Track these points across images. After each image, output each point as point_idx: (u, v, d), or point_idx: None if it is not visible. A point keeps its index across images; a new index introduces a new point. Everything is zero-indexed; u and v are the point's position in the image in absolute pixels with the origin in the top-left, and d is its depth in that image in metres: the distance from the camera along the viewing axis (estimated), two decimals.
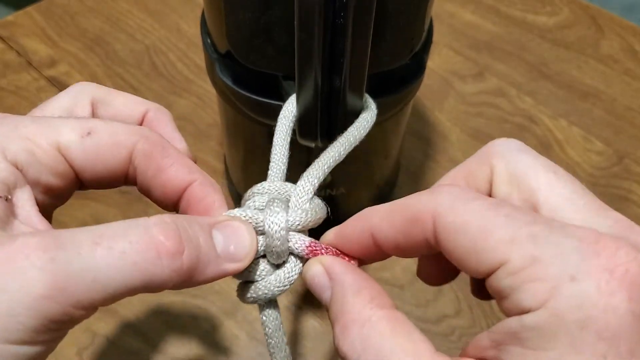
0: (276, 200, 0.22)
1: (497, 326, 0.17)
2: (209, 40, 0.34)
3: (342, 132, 0.27)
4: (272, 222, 0.21)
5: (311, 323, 0.42)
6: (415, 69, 0.34)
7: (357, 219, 0.21)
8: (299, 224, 0.22)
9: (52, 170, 0.20)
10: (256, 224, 0.21)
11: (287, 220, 0.21)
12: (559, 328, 0.15)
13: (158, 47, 0.60)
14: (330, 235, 0.22)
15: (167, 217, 0.18)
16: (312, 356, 0.41)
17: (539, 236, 0.16)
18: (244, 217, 0.21)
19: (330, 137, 0.29)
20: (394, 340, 0.17)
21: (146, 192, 0.22)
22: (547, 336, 0.15)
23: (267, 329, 0.23)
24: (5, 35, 0.60)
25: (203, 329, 0.41)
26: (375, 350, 0.17)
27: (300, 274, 0.22)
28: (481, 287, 0.21)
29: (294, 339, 0.41)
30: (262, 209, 0.22)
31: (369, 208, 0.20)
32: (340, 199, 0.40)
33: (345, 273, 0.19)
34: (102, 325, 0.41)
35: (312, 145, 0.30)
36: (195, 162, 0.23)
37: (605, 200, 0.20)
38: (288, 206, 0.22)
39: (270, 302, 0.23)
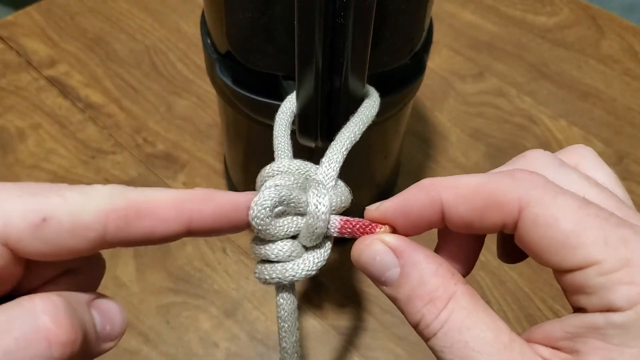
0: (321, 183, 0.22)
1: (572, 319, 0.17)
2: (208, 41, 0.34)
3: None
4: (320, 203, 0.21)
5: (311, 323, 0.42)
6: (415, 69, 0.34)
7: (422, 191, 0.19)
8: (334, 208, 0.22)
9: None
10: (298, 203, 0.21)
11: (331, 203, 0.21)
12: None
13: (158, 47, 0.59)
14: (388, 205, 0.20)
15: (56, 298, 0.16)
16: (312, 356, 0.41)
17: (629, 240, 0.17)
18: (289, 195, 0.20)
19: (330, 136, 0.29)
20: (477, 315, 0.18)
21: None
22: (632, 334, 0.16)
23: (282, 311, 0.22)
24: (5, 35, 0.60)
25: (203, 329, 0.41)
26: (459, 324, 0.18)
27: (328, 259, 0.22)
28: (510, 252, 0.22)
29: None
30: (297, 188, 0.22)
31: (431, 180, 0.20)
32: None
33: (415, 250, 0.19)
34: None
35: (312, 145, 0.30)
36: None
37: None
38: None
39: (290, 285, 0.22)
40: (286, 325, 0.22)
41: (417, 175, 0.51)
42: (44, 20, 0.61)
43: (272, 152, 0.26)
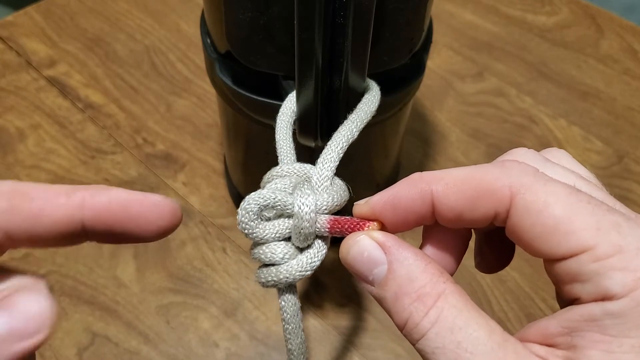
0: (306, 184, 0.22)
1: (567, 313, 0.17)
2: (208, 40, 0.34)
3: None
4: (303, 204, 0.21)
5: (311, 323, 0.42)
6: (415, 68, 0.34)
7: (412, 185, 0.19)
8: (325, 208, 0.22)
9: None
10: (284, 206, 0.21)
11: (316, 203, 0.21)
12: None
13: (158, 47, 0.59)
14: (377, 198, 0.20)
15: None
16: (312, 356, 0.41)
17: (622, 226, 0.16)
18: (273, 199, 0.21)
19: (330, 136, 0.29)
20: (468, 314, 0.17)
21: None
22: (630, 323, 0.16)
23: (285, 314, 0.23)
24: (4, 35, 0.60)
25: (203, 329, 0.41)
26: (450, 323, 0.17)
27: (324, 260, 0.22)
28: (488, 260, 0.22)
29: None
30: (286, 191, 0.22)
31: (421, 173, 0.19)
32: None
33: (403, 247, 0.19)
34: (102, 325, 0.41)
35: (312, 145, 0.30)
36: None
37: None
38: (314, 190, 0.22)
39: (290, 287, 0.23)
40: (290, 327, 0.23)
41: None
42: (43, 20, 0.61)
43: (272, 151, 0.26)
